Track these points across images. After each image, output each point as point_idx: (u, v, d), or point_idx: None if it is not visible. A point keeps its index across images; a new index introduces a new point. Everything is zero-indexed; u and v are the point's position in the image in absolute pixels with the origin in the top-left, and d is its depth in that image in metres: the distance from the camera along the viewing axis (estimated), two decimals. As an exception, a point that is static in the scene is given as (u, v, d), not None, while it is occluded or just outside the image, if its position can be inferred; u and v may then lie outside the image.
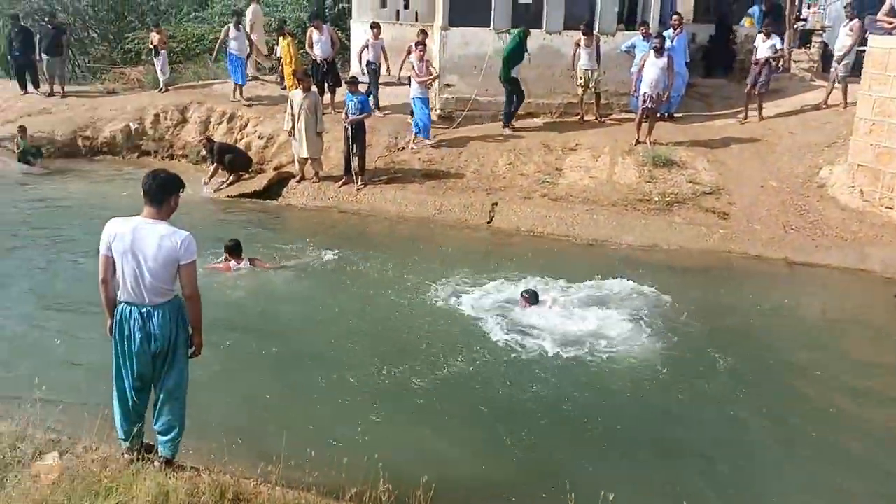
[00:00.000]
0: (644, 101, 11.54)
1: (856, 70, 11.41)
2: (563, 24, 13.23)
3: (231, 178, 11.63)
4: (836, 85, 12.32)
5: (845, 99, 12.16)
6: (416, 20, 15.51)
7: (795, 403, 5.90)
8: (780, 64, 13.45)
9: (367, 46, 13.04)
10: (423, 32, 12.87)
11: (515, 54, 12.27)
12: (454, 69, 12.93)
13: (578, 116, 12.91)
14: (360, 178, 11.16)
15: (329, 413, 5.51)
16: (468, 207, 10.63)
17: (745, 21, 14.60)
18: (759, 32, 12.63)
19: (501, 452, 5.14)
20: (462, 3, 13.39)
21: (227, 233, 8.78)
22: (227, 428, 5.02)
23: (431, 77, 12.07)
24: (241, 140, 12.80)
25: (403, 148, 12.14)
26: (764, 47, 12.22)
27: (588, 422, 5.50)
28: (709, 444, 5.34)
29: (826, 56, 13.97)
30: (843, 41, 12.24)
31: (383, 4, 15.54)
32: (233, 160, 11.68)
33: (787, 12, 14.57)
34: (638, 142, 11.70)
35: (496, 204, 10.67)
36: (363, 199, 10.93)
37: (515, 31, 12.48)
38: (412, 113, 12.15)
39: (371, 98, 12.96)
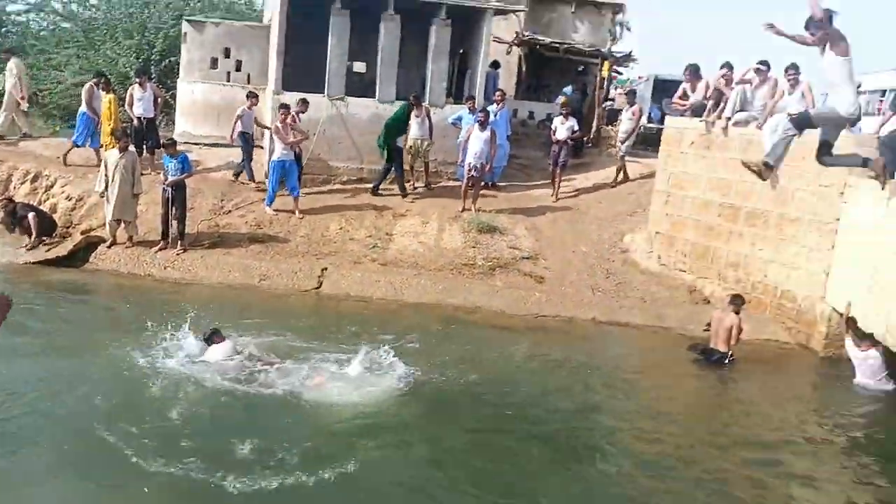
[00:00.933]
0: (469, 170, 12.09)
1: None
2: (395, 95, 13.73)
3: (32, 241, 10.65)
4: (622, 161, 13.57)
5: (625, 175, 13.53)
6: (248, 82, 15.39)
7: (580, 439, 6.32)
8: (585, 141, 14.73)
9: (241, 116, 12.66)
10: (254, 95, 12.79)
11: (400, 125, 12.63)
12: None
13: (409, 183, 13.25)
14: (179, 242, 10.65)
15: None
16: (296, 273, 10.44)
17: (561, 99, 15.81)
18: (559, 115, 13.41)
19: None
20: (296, 69, 13.51)
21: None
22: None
23: (300, 139, 11.98)
24: (45, 201, 11.82)
25: (230, 211, 11.81)
26: (563, 129, 13.02)
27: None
28: None
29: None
30: (625, 125, 13.65)
31: (214, 65, 15.28)
32: (35, 222, 10.69)
33: (595, 93, 16.02)
34: (464, 209, 12.18)
35: (325, 269, 10.57)
36: (182, 266, 10.38)
37: (401, 103, 12.96)
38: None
39: (244, 168, 12.74)
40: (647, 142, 15.47)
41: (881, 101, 14.52)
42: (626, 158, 13.50)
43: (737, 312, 8.50)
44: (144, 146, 12.66)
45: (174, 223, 10.65)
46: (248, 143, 12.75)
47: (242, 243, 11.05)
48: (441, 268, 10.76)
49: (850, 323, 8.33)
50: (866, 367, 8.11)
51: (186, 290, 9.86)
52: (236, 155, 12.94)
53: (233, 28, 15.45)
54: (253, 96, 12.85)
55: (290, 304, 9.68)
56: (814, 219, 9.17)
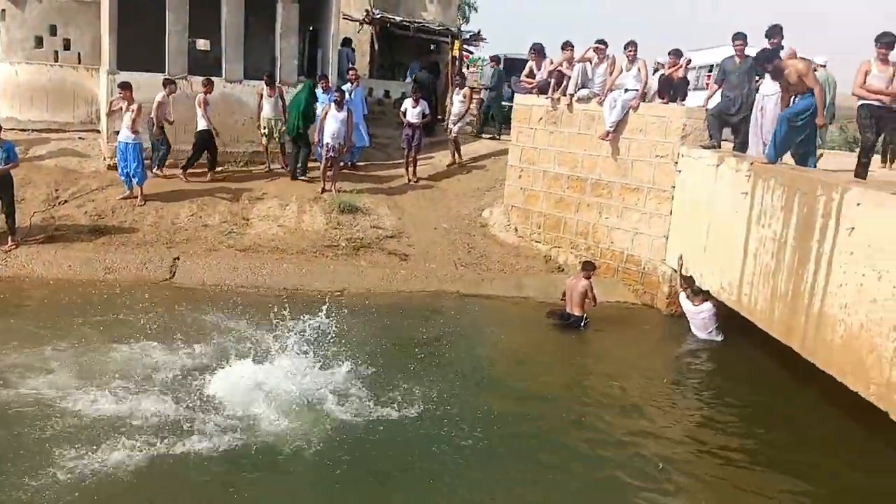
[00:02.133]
0: (327, 150, 11.91)
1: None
2: (244, 73, 13.21)
3: None
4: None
5: (459, 155, 13.71)
6: (79, 62, 14.22)
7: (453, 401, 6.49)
8: (440, 119, 14.84)
9: (162, 104, 11.55)
10: (171, 82, 11.91)
11: (309, 106, 12.37)
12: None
13: (264, 165, 12.86)
14: (9, 238, 9.72)
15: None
16: (146, 264, 9.85)
17: (413, 77, 15.89)
18: (409, 97, 13.18)
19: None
20: (131, 47, 12.63)
21: None
22: None
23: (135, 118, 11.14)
24: None
25: (66, 202, 10.92)
26: (413, 112, 12.77)
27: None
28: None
29: (486, 112, 15.82)
30: (456, 107, 13.73)
31: (39, 44, 13.97)
32: None
33: (448, 72, 16.26)
34: (324, 190, 12.00)
35: (178, 258, 10.06)
36: (14, 263, 9.48)
37: (303, 83, 12.79)
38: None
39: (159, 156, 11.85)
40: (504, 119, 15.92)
41: (708, 75, 15.82)
42: (484, 136, 13.75)
43: (588, 278, 9.04)
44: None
45: (0, 217, 9.69)
46: (163, 132, 11.87)
47: (83, 235, 10.27)
48: (303, 251, 10.57)
49: (687, 281, 9.11)
50: (699, 321, 8.92)
51: (20, 288, 9.04)
52: (68, 142, 11.97)
53: (59, 3, 14.13)
54: (171, 83, 11.91)
55: (138, 298, 9.13)
56: (652, 187, 9.89)
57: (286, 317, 7.17)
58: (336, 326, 7.16)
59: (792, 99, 8.16)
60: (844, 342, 6.07)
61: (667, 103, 10.82)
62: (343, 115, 12.01)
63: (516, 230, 11.50)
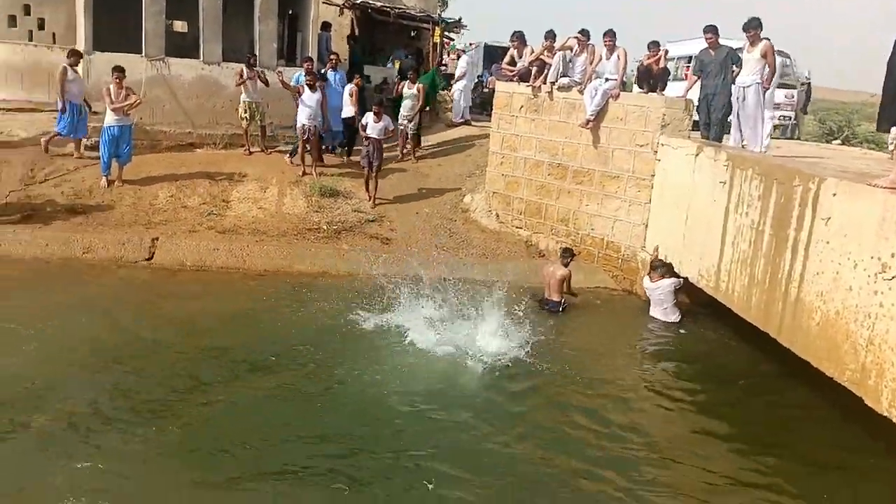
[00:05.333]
0: (304, 133, 11.85)
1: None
2: (222, 56, 13.09)
3: None
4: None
5: (413, 151, 13.37)
6: (54, 42, 13.94)
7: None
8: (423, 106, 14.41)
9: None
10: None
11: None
12: (101, 96, 11.82)
13: (244, 148, 12.75)
14: (-16, 216, 9.55)
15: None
16: (124, 244, 9.75)
17: (395, 63, 15.88)
18: (369, 111, 11.64)
19: None
20: (108, 27, 12.44)
21: None
22: None
23: (130, 103, 10.92)
24: None
25: (43, 181, 10.74)
26: (375, 127, 11.41)
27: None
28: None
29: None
30: (408, 102, 13.11)
31: (12, 23, 13.68)
32: None
33: (430, 58, 16.25)
34: (304, 173, 11.95)
35: (157, 239, 9.97)
36: (-11, 242, 9.36)
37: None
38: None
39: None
40: (485, 105, 15.99)
41: (687, 66, 16.01)
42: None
43: (566, 265, 9.16)
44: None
45: (-24, 196, 9.53)
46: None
47: (60, 215, 10.15)
48: (284, 233, 10.55)
49: (660, 264, 9.24)
50: (655, 297, 9.13)
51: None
52: (44, 122, 11.73)
53: (32, -18, 13.86)
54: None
55: (120, 277, 9.06)
56: (632, 175, 10.02)
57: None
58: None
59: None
60: (821, 329, 6.25)
61: (647, 93, 10.97)
62: (318, 96, 11.95)
63: (497, 216, 11.57)
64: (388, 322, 8.00)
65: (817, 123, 21.77)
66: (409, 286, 8.34)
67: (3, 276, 8.68)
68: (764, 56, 8.93)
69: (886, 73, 5.90)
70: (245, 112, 12.52)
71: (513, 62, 12.21)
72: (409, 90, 13.21)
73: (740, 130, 9.36)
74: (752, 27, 8.92)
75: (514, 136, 11.49)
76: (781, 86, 15.34)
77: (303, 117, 11.88)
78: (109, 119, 10.84)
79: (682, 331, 8.91)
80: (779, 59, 9.94)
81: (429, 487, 5.24)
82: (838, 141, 18.52)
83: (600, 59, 10.44)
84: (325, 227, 10.72)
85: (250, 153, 12.67)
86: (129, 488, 4.96)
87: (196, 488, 5.05)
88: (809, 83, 17.46)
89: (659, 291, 9.07)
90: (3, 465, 5.09)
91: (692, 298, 9.23)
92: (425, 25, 16.92)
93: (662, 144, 9.66)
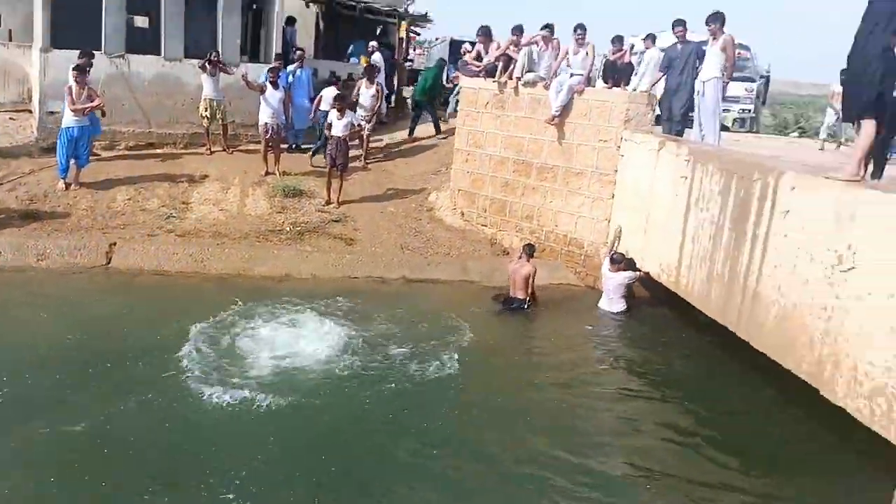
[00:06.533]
0: (266, 131, 11.67)
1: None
2: (185, 52, 12.83)
3: None
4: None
5: (365, 154, 12.81)
6: (10, 39, 13.59)
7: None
8: (378, 117, 13.69)
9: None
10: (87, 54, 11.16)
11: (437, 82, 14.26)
12: (59, 95, 11.55)
13: (205, 147, 12.53)
14: (-68, 222, 9.25)
15: None
16: (80, 250, 9.49)
17: (362, 59, 15.68)
18: (333, 108, 11.39)
19: None
20: (67, 23, 12.11)
21: None
22: None
23: (94, 105, 10.63)
24: None
25: (-5, 185, 10.46)
26: (339, 124, 11.11)
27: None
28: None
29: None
30: (367, 102, 12.48)
31: (-34, 20, 13.31)
32: None
33: (396, 53, 16.10)
34: (267, 172, 11.77)
35: (114, 244, 9.73)
36: (-62, 248, 9.08)
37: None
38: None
39: None
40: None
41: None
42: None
43: (529, 260, 9.12)
44: None
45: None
46: None
47: (13, 221, 9.85)
48: (246, 235, 10.35)
49: (620, 258, 9.23)
50: (609, 285, 9.17)
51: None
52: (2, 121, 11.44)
53: (-15, -24, 13.49)
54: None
55: (75, 283, 8.84)
56: (595, 171, 9.99)
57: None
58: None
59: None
60: (778, 322, 6.26)
61: (611, 88, 10.95)
62: (280, 94, 11.77)
63: (462, 214, 11.49)
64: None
65: (770, 116, 22.06)
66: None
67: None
68: (724, 50, 8.94)
69: (847, 66, 5.91)
70: (206, 110, 12.29)
71: (479, 57, 12.11)
72: (367, 90, 12.69)
73: (700, 125, 9.37)
74: (713, 21, 8.94)
75: (480, 132, 11.40)
76: (742, 79, 15.49)
77: (265, 115, 11.70)
78: (68, 120, 10.57)
79: (628, 321, 8.97)
80: (739, 52, 9.98)
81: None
82: (795, 133, 18.74)
83: (566, 55, 10.40)
84: (288, 229, 10.55)
85: (212, 153, 12.45)
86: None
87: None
88: (769, 76, 17.65)
89: (611, 280, 9.10)
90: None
91: (653, 293, 9.26)
92: (392, 20, 16.77)
93: (625, 139, 9.63)
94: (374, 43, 14.96)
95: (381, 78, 13.47)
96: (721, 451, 6.13)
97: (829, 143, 14.12)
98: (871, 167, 6.59)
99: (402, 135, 14.29)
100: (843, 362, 5.47)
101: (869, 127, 5.78)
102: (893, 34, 5.51)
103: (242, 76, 12.12)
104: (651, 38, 12.20)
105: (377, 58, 14.21)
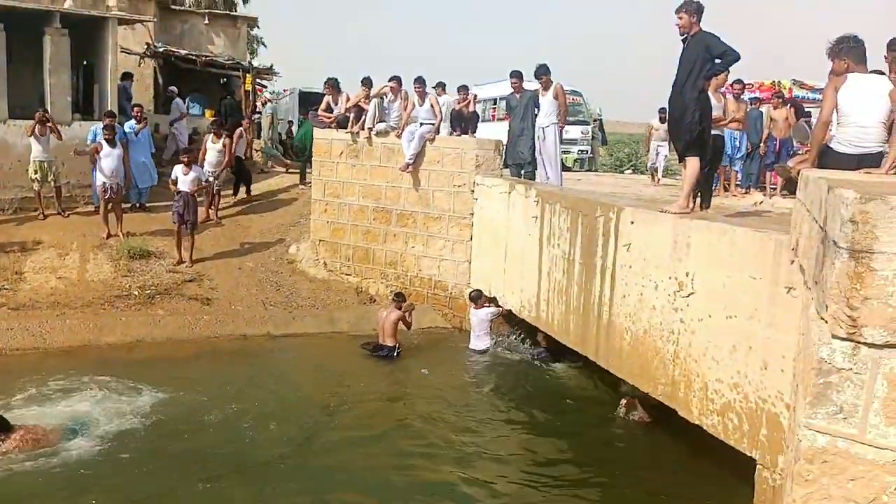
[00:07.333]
0: (105, 191, 11.03)
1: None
2: (8, 112, 11.89)
3: None
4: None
5: (215, 210, 12.38)
6: None
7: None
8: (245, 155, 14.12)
9: None
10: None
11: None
12: None
13: (38, 212, 11.59)
14: None
15: None
16: None
17: (207, 113, 15.30)
18: (179, 163, 11.02)
19: None
20: None
21: None
22: None
23: None
24: None
25: None
26: (186, 180, 10.76)
27: None
28: None
29: (283, 143, 15.58)
30: (213, 157, 12.06)
31: None
32: None
33: (243, 106, 15.83)
34: (109, 235, 11.07)
35: (-65, 324, 8.71)
36: None
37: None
38: None
39: None
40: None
41: (494, 108, 16.92)
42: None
43: (399, 308, 9.18)
44: None
45: None
46: None
47: None
48: (90, 304, 9.64)
49: (477, 295, 9.55)
50: (475, 321, 9.50)
51: None
52: None
53: None
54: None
55: None
56: (453, 215, 10.30)
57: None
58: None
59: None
60: (632, 348, 6.70)
61: (459, 136, 11.39)
62: (118, 151, 11.21)
63: (325, 264, 11.38)
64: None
65: (608, 155, 23.90)
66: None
67: None
68: (556, 97, 9.67)
69: (669, 110, 6.55)
70: (36, 173, 11.41)
71: (329, 108, 12.19)
72: (214, 144, 12.23)
73: (545, 167, 9.97)
74: (542, 73, 9.66)
75: (337, 182, 11.43)
76: (577, 122, 16.70)
77: (102, 175, 11.03)
78: None
79: (489, 357, 9.26)
80: (571, 98, 10.81)
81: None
82: (630, 170, 20.38)
83: (413, 106, 10.71)
84: (136, 293, 9.94)
85: (45, 217, 11.53)
86: None
87: None
88: (601, 119, 19.16)
89: (476, 318, 9.41)
90: None
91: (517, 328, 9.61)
92: (235, 73, 16.50)
93: (478, 184, 10.03)
94: (173, 88, 15.30)
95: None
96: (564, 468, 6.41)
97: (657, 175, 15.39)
98: (699, 199, 7.25)
99: (256, 188, 13.98)
100: (695, 382, 5.90)
101: (694, 163, 6.41)
102: (706, 79, 6.19)
103: (74, 150, 11.41)
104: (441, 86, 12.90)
105: (179, 103, 14.80)
